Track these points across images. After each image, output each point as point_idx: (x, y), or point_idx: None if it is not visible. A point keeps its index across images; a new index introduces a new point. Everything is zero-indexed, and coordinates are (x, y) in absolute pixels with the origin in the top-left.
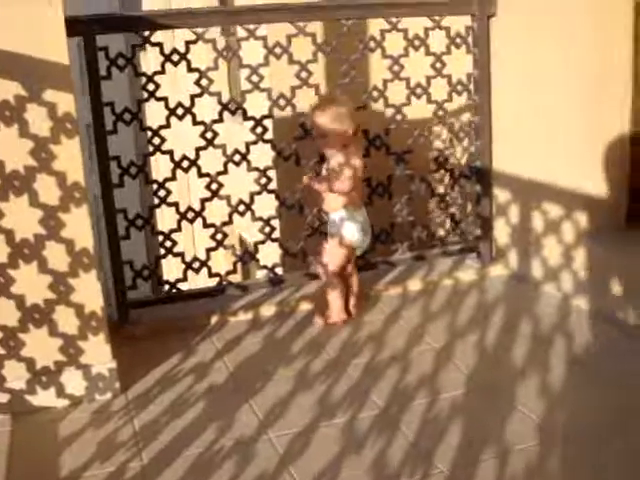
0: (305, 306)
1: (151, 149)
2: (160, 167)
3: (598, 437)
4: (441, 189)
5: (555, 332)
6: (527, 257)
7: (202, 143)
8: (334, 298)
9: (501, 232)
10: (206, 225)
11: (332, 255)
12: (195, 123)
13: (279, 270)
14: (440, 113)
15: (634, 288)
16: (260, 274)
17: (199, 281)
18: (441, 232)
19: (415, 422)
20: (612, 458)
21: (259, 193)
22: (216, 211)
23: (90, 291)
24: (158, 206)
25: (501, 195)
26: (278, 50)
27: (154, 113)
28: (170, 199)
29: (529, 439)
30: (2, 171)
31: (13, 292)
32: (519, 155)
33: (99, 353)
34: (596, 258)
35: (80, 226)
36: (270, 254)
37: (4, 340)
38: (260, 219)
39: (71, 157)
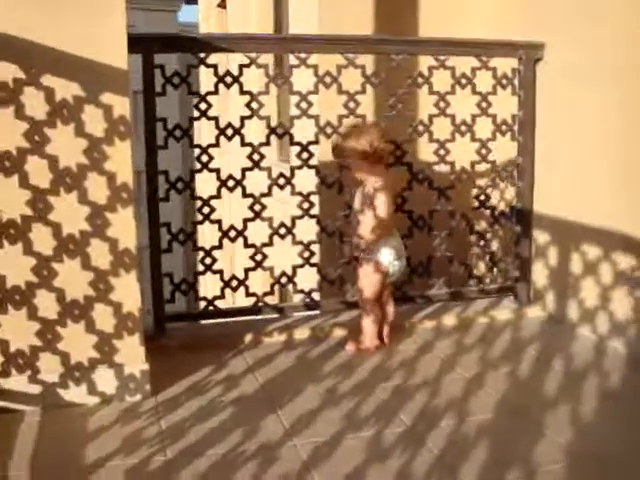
0: (339, 332)
1: (199, 166)
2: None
3: (624, 465)
4: (481, 227)
5: (589, 369)
6: (564, 299)
7: (248, 164)
8: (368, 324)
9: (539, 274)
10: (247, 245)
11: (367, 281)
12: (243, 144)
13: (316, 296)
14: (483, 151)
15: None
16: (297, 298)
17: (232, 300)
18: (479, 270)
19: (442, 440)
20: None
21: (301, 217)
22: (257, 232)
23: (129, 291)
24: (202, 222)
25: (541, 237)
26: (328, 79)
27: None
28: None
29: (556, 462)
30: (56, 166)
31: (55, 285)
32: (560, 197)
33: (133, 354)
34: (633, 300)
35: (125, 226)
36: (307, 279)
37: (42, 332)
38: (300, 243)
39: (122, 159)
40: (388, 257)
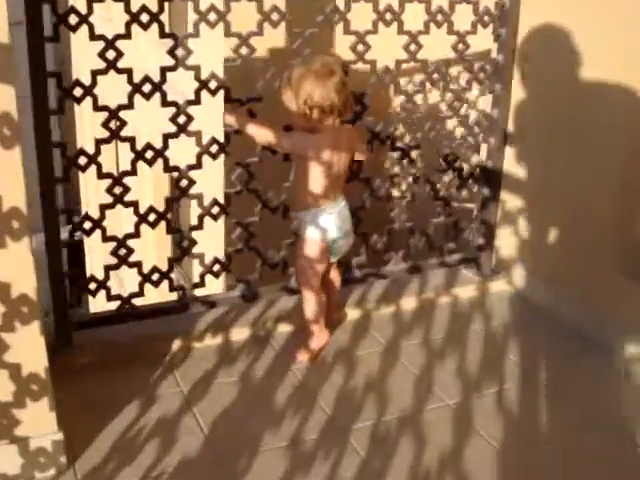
0: (284, 328)
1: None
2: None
3: None
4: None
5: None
6: (535, 274)
7: (172, 129)
8: (313, 317)
9: (506, 242)
10: (170, 231)
11: (302, 262)
12: (165, 104)
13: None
14: (456, 104)
15: None
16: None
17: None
18: (440, 240)
19: None
20: None
21: (239, 192)
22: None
23: (30, 348)
24: (113, 206)
25: (510, 200)
26: None
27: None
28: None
29: None
30: None
31: None
32: (535, 157)
33: (40, 423)
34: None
35: (19, 265)
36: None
37: None
38: (238, 224)
39: (9, 174)
40: (322, 232)
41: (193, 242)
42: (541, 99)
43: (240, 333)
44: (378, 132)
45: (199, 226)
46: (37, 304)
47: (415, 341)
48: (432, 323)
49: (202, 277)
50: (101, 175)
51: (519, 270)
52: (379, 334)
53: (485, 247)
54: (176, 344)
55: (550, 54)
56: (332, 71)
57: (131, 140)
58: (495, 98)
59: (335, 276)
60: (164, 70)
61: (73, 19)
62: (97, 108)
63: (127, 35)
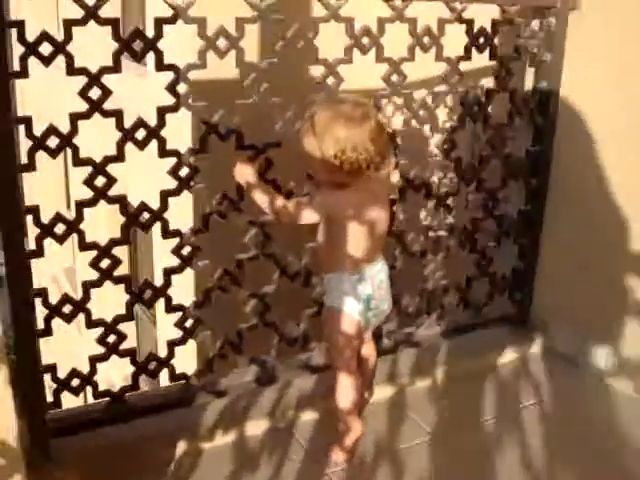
0: (307, 416)
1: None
2: None
3: None
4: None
5: None
6: (581, 333)
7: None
8: (350, 406)
9: (548, 296)
10: (170, 308)
11: (335, 340)
12: (163, 154)
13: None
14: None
15: None
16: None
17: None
18: (476, 298)
19: None
20: None
21: (254, 258)
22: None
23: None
24: (100, 284)
25: (552, 249)
26: None
27: None
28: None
29: None
30: None
31: None
32: (579, 202)
33: None
34: None
35: None
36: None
37: None
38: (253, 295)
39: None
40: (363, 304)
41: (199, 322)
42: (591, 137)
43: (257, 426)
44: (412, 179)
45: (206, 300)
46: (20, 453)
47: (464, 424)
48: (477, 400)
49: (210, 361)
50: (84, 246)
51: (562, 328)
52: (419, 417)
53: (523, 303)
54: (181, 446)
55: (604, 81)
56: (366, 114)
57: (122, 201)
58: (538, 134)
59: (370, 351)
60: (162, 111)
61: (46, 48)
62: (78, 162)
63: (115, 68)
